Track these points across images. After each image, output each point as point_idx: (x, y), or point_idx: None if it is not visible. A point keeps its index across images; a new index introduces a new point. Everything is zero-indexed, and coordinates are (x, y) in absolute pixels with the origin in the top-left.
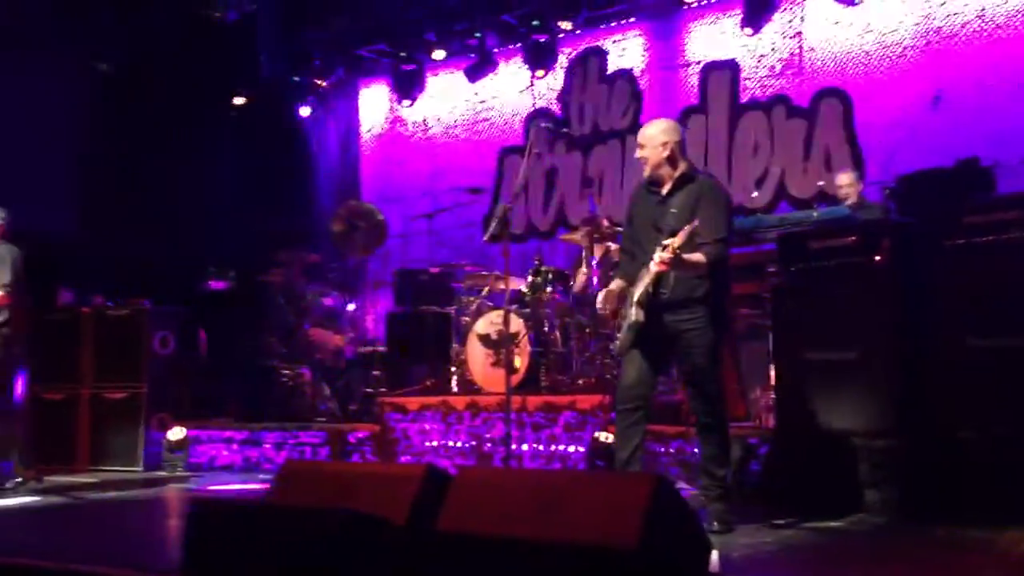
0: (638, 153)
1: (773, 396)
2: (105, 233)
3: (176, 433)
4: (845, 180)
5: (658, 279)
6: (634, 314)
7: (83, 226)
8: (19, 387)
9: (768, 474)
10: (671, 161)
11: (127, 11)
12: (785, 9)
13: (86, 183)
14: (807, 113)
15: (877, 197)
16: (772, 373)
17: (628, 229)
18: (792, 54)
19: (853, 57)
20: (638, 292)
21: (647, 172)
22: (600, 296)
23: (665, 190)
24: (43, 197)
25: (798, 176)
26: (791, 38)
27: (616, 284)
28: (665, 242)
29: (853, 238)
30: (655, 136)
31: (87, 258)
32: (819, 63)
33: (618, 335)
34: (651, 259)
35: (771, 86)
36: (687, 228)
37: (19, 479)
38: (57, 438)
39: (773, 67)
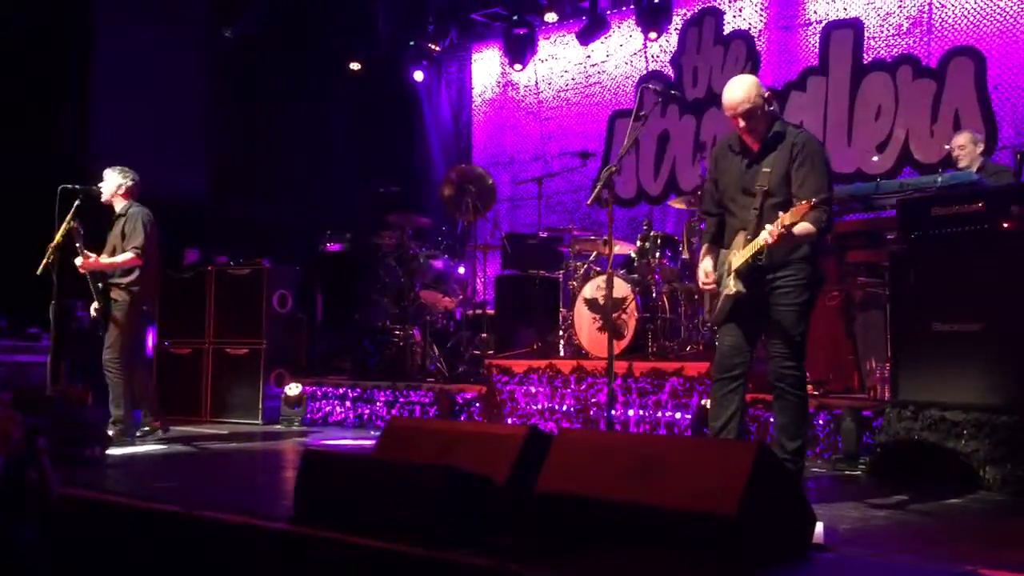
0: (741, 109)
1: (889, 367)
2: (229, 195)
3: (293, 389)
4: (959, 141)
5: (760, 249)
6: (732, 285)
7: (210, 189)
8: (149, 342)
9: (882, 447)
10: (767, 117)
11: None
12: None
13: (213, 147)
14: (936, 73)
15: (1010, 162)
16: (889, 344)
17: (713, 191)
18: (920, 11)
19: (987, 14)
20: (737, 261)
21: (747, 128)
22: (702, 270)
23: (756, 149)
24: (173, 161)
25: (924, 140)
26: None
27: (709, 253)
28: (777, 223)
29: (980, 204)
30: (752, 89)
31: (213, 219)
32: (950, 21)
33: (714, 302)
34: (744, 225)
35: (897, 45)
36: (798, 207)
37: (147, 428)
38: (183, 390)
39: (900, 25)
